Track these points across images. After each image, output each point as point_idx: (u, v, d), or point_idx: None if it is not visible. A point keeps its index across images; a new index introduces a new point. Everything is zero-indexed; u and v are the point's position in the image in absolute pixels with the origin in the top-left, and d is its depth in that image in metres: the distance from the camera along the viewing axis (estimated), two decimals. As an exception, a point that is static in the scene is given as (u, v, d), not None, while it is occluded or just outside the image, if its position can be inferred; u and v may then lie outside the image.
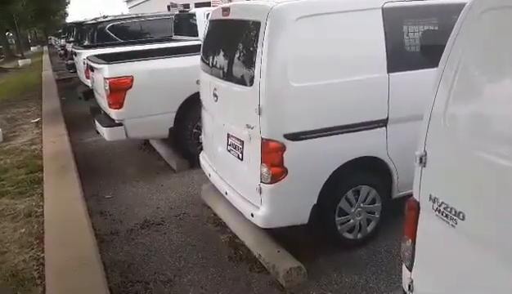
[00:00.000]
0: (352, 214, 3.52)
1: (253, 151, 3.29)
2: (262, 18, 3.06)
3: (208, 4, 23.71)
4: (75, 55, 9.54)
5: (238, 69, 3.45)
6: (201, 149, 5.50)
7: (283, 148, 3.11)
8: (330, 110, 3.21)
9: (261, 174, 3.20)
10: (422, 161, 1.90)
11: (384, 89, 3.35)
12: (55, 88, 12.88)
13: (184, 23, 9.43)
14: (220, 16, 3.79)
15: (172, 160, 5.88)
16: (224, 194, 3.82)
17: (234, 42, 3.57)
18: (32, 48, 41.97)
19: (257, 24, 3.11)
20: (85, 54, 7.77)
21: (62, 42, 19.07)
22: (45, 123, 8.37)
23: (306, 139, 3.16)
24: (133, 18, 11.83)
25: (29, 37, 50.66)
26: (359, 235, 3.60)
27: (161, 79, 5.35)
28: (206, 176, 4.47)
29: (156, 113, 5.36)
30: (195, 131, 5.59)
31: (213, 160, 4.15)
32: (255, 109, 3.10)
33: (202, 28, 8.49)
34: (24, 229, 4.09)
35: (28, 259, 3.60)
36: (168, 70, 5.43)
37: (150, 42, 9.37)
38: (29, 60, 24.99)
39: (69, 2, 52.63)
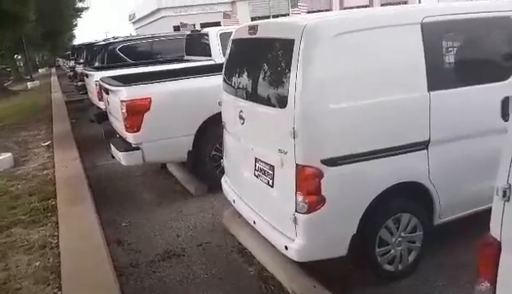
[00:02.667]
0: (392, 244, 3.26)
1: (286, 178, 3.06)
2: (296, 36, 2.86)
3: (216, 24, 23.79)
4: (86, 77, 9.42)
5: (268, 90, 3.24)
6: (220, 172, 5.34)
7: (320, 174, 2.88)
8: (370, 133, 2.98)
9: (296, 203, 2.96)
10: (506, 195, 1.65)
11: (424, 109, 3.13)
12: (65, 110, 12.78)
13: (196, 43, 9.32)
14: (245, 35, 3.60)
15: (189, 184, 5.66)
16: (252, 223, 3.57)
17: (263, 62, 3.37)
18: (40, 70, 42.27)
19: (290, 43, 2.91)
20: (97, 75, 7.63)
21: (71, 63, 19.09)
22: (56, 146, 8.20)
23: (345, 164, 2.93)
24: (144, 38, 11.76)
25: (36, 59, 51.10)
26: (400, 266, 3.34)
27: (180, 101, 5.17)
28: (227, 201, 4.25)
29: (175, 136, 5.15)
30: (213, 153, 5.38)
31: (238, 186, 3.92)
32: (289, 132, 2.88)
33: (215, 48, 8.40)
34: (38, 263, 3.85)
35: (44, 297, 3.35)
36: (187, 91, 5.24)
37: (163, 62, 9.26)
38: (37, 82, 25.08)
39: (76, 24, 53.24)
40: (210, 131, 5.23)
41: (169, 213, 5.00)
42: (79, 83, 12.95)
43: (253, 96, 3.41)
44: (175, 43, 10.92)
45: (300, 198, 2.93)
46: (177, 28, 28.30)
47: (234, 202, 3.96)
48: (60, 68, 37.93)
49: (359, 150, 2.95)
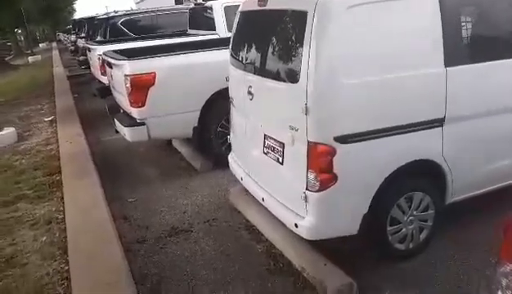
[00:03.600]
0: (404, 223, 3.21)
1: (296, 155, 2.98)
2: (310, 7, 2.74)
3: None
4: (89, 51, 9.27)
5: (279, 65, 3.14)
6: (226, 148, 5.27)
7: (333, 151, 2.80)
8: (384, 109, 2.89)
9: (307, 180, 2.90)
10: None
11: (440, 85, 3.03)
12: (67, 85, 12.65)
13: (200, 17, 9.10)
14: (254, 7, 3.47)
15: (195, 160, 5.60)
16: (260, 201, 3.52)
17: (273, 35, 3.25)
18: (40, 45, 41.84)
19: (302, 15, 2.79)
20: (100, 50, 7.49)
21: (73, 37, 18.84)
22: (59, 121, 8.13)
23: (358, 141, 2.85)
24: (146, 12, 11.53)
25: (37, 34, 50.54)
26: (411, 245, 3.30)
27: (185, 75, 5.05)
28: (233, 178, 4.21)
29: (180, 112, 5.06)
30: (219, 130, 5.30)
31: (246, 163, 3.85)
32: (301, 108, 2.79)
33: (220, 21, 8.20)
34: (45, 238, 3.83)
35: (51, 272, 3.33)
36: (192, 66, 5.12)
37: (166, 36, 9.07)
38: (39, 57, 24.83)
39: None
40: (216, 107, 5.14)
41: (175, 189, 4.95)
42: (81, 58, 12.79)
43: (262, 71, 3.31)
44: (178, 17, 10.70)
45: (311, 176, 2.87)
46: (178, 2, 27.82)
47: (242, 179, 3.90)
48: (60, 42, 37.49)
49: (372, 127, 2.86)
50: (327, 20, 2.70)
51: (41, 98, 11.20)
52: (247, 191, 3.90)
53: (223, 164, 4.52)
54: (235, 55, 3.90)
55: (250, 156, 3.71)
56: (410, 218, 3.23)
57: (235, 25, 3.95)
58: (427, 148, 3.12)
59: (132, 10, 15.85)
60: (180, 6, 13.97)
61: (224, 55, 5.01)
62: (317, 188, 2.86)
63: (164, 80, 4.92)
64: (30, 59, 23.96)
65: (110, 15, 12.03)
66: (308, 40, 2.72)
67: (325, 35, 2.70)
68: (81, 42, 13.24)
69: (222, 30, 8.16)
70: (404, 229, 3.22)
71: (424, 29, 2.97)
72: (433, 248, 3.36)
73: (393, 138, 2.94)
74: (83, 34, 14.81)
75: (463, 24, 3.12)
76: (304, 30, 2.75)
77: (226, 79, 4.12)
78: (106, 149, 6.64)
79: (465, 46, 3.16)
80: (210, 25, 8.43)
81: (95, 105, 9.41)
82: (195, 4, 9.98)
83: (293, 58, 2.94)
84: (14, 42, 31.73)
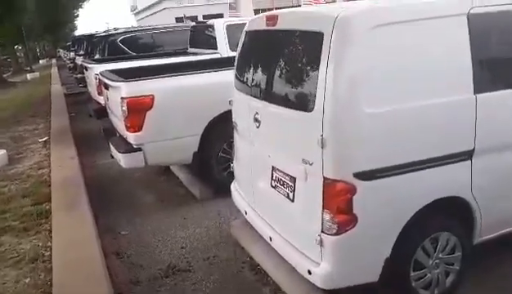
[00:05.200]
0: (429, 267, 2.86)
1: (310, 192, 2.65)
2: (326, 28, 2.44)
3: (219, 16, 23.29)
4: (86, 70, 9.00)
5: (291, 91, 2.82)
6: (228, 175, 4.94)
7: (352, 189, 2.47)
8: (410, 142, 2.58)
9: (322, 222, 2.55)
10: None
11: (470, 114, 2.72)
12: (64, 103, 12.35)
13: (201, 35, 8.87)
14: (262, 27, 3.18)
15: (194, 187, 5.25)
16: (267, 239, 3.17)
17: (284, 58, 2.95)
18: (41, 61, 41.80)
19: (318, 36, 2.48)
20: (97, 68, 7.22)
21: (71, 55, 18.63)
22: (53, 142, 7.78)
23: (381, 178, 2.52)
24: (146, 30, 11.30)
25: (37, 50, 50.59)
26: (436, 291, 2.93)
27: (185, 98, 4.74)
28: (235, 208, 3.90)
29: (179, 137, 4.74)
30: (221, 155, 4.98)
31: (251, 195, 3.51)
32: (316, 140, 2.46)
33: (222, 40, 7.97)
34: (28, 279, 3.45)
35: (32, 322, 2.96)
36: (193, 88, 4.81)
37: (166, 55, 8.82)
38: (37, 74, 24.62)
39: (78, 15, 52.71)
40: (218, 131, 4.83)
41: (172, 220, 4.60)
42: (79, 75, 12.52)
43: (271, 97, 2.99)
44: (178, 35, 10.48)
45: (328, 217, 2.53)
46: (179, 20, 27.82)
47: (246, 213, 3.55)
48: (61, 58, 37.40)
49: (397, 162, 2.54)
50: (346, 42, 2.40)
51: (36, 117, 10.88)
52: (251, 225, 3.56)
53: (225, 192, 4.19)
54: (240, 77, 3.59)
55: (256, 188, 3.37)
56: (436, 261, 2.88)
57: (240, 46, 3.65)
58: (455, 183, 2.79)
59: (132, 27, 15.67)
60: (181, 24, 13.77)
61: (227, 76, 4.75)
62: (334, 231, 2.51)
63: (163, 103, 4.61)
64: (29, 76, 23.72)
65: (110, 32, 11.82)
66: (325, 65, 2.41)
67: (344, 59, 2.40)
68: (79, 60, 12.99)
69: (223, 49, 7.93)
70: (429, 274, 2.87)
71: (452, 53, 2.68)
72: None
73: (419, 173, 2.61)
74: (81, 51, 14.59)
75: (494, 46, 2.83)
76: (320, 53, 2.45)
77: (230, 103, 3.81)
78: (100, 174, 6.29)
79: (496, 71, 2.86)
80: (212, 44, 8.20)
81: (91, 125, 9.08)
82: (196, 22, 9.73)
83: (307, 84, 2.63)
84: (14, 59, 31.59)
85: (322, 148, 2.45)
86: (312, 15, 2.80)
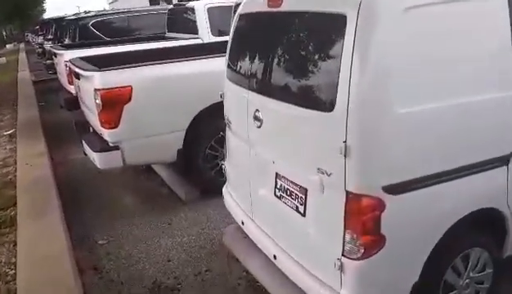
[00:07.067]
0: (459, 288, 2.49)
1: (327, 207, 2.23)
2: (350, 9, 1.98)
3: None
4: (55, 56, 8.29)
5: (303, 86, 2.36)
6: (216, 173, 4.51)
7: (381, 206, 2.05)
8: (448, 146, 2.17)
9: (344, 244, 2.14)
10: None
11: (508, 114, 2.33)
12: (32, 92, 11.54)
13: (180, 19, 8.29)
14: (263, 8, 2.69)
15: (179, 188, 4.77)
16: (271, 257, 2.74)
17: (293, 45, 2.48)
18: (7, 46, 39.83)
19: (339, 20, 2.03)
20: (67, 55, 6.57)
21: (40, 39, 17.62)
22: (20, 136, 7.14)
23: (412, 190, 2.11)
24: (120, 13, 10.58)
25: (4, 34, 48.34)
26: (466, 314, 2.58)
27: (167, 89, 4.23)
28: (225, 211, 3.46)
29: (162, 133, 4.23)
30: (208, 152, 4.51)
31: (248, 203, 3.05)
32: (337, 146, 2.03)
33: (203, 24, 7.44)
34: (-13, 306, 2.95)
35: None
36: (176, 77, 4.29)
37: (142, 40, 8.21)
38: (3, 59, 23.27)
39: (46, -2, 50.58)
40: (204, 126, 4.37)
41: (156, 226, 4.13)
42: (48, 62, 11.72)
43: (276, 92, 2.52)
44: (155, 19, 9.86)
45: (350, 239, 2.11)
46: (154, 3, 26.86)
47: (242, 223, 3.11)
48: (29, 43, 35.74)
49: (432, 171, 2.13)
50: (376, 26, 1.95)
51: (2, 107, 10.10)
52: (246, 233, 3.13)
53: (213, 192, 3.86)
54: (234, 67, 3.11)
55: (255, 196, 2.92)
56: (467, 281, 2.51)
57: (232, 31, 3.15)
58: (491, 193, 2.41)
59: (104, 10, 14.84)
60: (157, 6, 13.06)
61: (214, 64, 4.32)
62: (359, 255, 2.10)
63: (143, 95, 4.08)
64: (-6, 61, 22.45)
65: (80, 15, 11.05)
66: (349, 55, 1.96)
67: (374, 47, 1.95)
68: (47, 45, 12.17)
69: (205, 34, 7.41)
70: (459, 296, 2.51)
71: (492, 41, 2.27)
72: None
73: (455, 183, 2.22)
74: (50, 36, 13.73)
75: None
76: (342, 41, 1.99)
77: (221, 96, 3.33)
78: (74, 172, 5.72)
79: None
80: (191, 28, 7.66)
81: (63, 116, 8.40)
82: (174, 5, 9.11)
83: (324, 78, 2.18)
84: (-22, 43, 29.97)
85: (345, 156, 2.02)
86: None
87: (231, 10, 6.65)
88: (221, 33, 7.12)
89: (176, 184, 4.87)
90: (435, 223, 2.23)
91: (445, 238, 2.28)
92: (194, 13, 7.64)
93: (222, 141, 4.39)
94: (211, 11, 7.51)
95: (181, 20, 8.15)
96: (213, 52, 4.64)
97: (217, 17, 7.49)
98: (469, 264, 2.49)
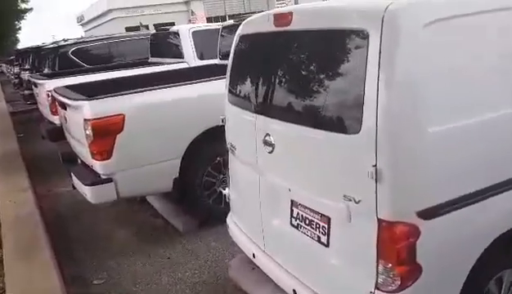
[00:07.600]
0: (493, 314, 2.34)
1: (356, 237, 2.06)
2: (372, 25, 1.86)
3: (171, 24, 22.45)
4: (35, 86, 8.02)
5: (322, 107, 2.20)
6: (214, 201, 4.34)
7: (416, 232, 1.90)
8: (479, 164, 2.04)
9: (377, 276, 1.97)
10: None
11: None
12: (10, 123, 11.16)
13: (164, 43, 8.20)
14: (268, 28, 2.56)
15: (175, 218, 4.55)
16: (290, 293, 2.54)
17: (306, 66, 2.33)
18: (-19, 77, 39.04)
19: (360, 36, 1.91)
20: (49, 84, 6.34)
21: (16, 69, 17.21)
22: (0, 171, 6.79)
23: (446, 213, 1.97)
24: (100, 40, 10.39)
25: (-23, 65, 47.44)
26: (500, 342, 2.42)
27: (161, 116, 4.04)
28: (229, 240, 3.30)
29: (157, 162, 4.02)
30: (205, 179, 4.31)
31: (259, 234, 2.85)
32: (366, 171, 1.88)
33: (188, 48, 7.35)
34: None
35: None
36: (170, 104, 4.11)
37: (126, 66, 8.04)
38: (-23, 91, 22.72)
39: (20, 28, 49.92)
40: (201, 152, 4.18)
41: (155, 261, 3.89)
42: (26, 92, 11.41)
43: (289, 115, 2.37)
44: (136, 44, 9.75)
45: (385, 270, 1.94)
46: (130, 29, 26.77)
47: (254, 256, 2.91)
48: (3, 74, 35.04)
49: (466, 191, 2.00)
50: (401, 41, 1.83)
51: (-22, 140, 9.69)
52: (253, 264, 2.94)
53: (212, 221, 3.80)
54: (237, 91, 2.96)
55: (268, 226, 2.73)
56: (500, 306, 2.37)
57: (233, 53, 3.02)
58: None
59: (82, 38, 14.60)
60: (137, 32, 12.95)
61: (208, 88, 4.20)
62: (395, 287, 1.93)
63: (136, 123, 3.89)
64: (-32, 94, 21.82)
65: (59, 43, 10.81)
66: (375, 73, 1.83)
67: (401, 64, 1.83)
68: (25, 75, 11.85)
69: (190, 58, 7.32)
70: (493, 323, 2.35)
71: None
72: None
73: (488, 202, 2.09)
74: (27, 66, 13.39)
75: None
76: (366, 58, 1.86)
77: (223, 121, 3.17)
78: (60, 206, 5.43)
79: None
80: (176, 53, 7.60)
81: (44, 147, 8.11)
82: (157, 30, 9.00)
83: (347, 98, 2.04)
84: (-51, 76, 29.19)
85: (376, 181, 1.87)
86: (348, 10, 2.18)
87: (215, 33, 6.61)
88: (207, 57, 7.04)
89: (171, 214, 4.64)
90: (470, 246, 2.08)
91: (479, 262, 2.13)
92: (178, 37, 7.56)
93: (219, 167, 4.26)
94: (196, 35, 7.46)
95: (165, 45, 8.05)
96: (204, 76, 4.52)
97: (202, 41, 7.43)
98: (503, 287, 2.35)
